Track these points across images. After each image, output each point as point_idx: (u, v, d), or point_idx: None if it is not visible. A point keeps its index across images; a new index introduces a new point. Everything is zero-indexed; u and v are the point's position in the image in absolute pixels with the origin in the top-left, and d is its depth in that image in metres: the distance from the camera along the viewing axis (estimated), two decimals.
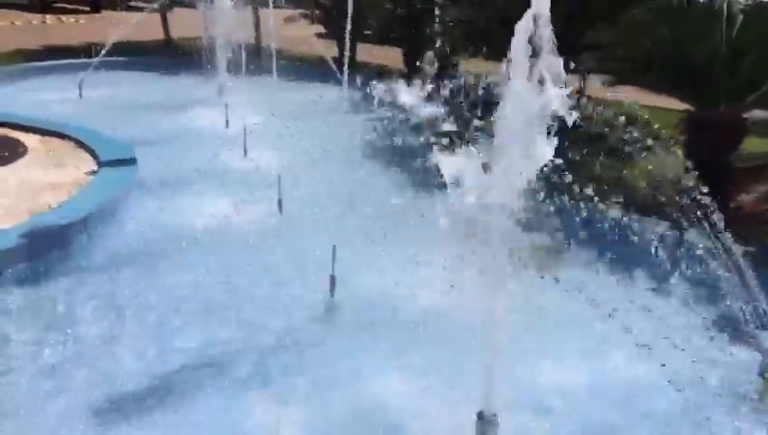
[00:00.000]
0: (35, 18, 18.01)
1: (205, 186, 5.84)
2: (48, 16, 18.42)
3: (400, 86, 4.32)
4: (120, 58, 10.48)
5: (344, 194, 4.73)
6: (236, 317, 3.92)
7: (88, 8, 20.59)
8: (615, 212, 4.44)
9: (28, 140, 6.70)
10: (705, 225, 3.70)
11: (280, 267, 4.49)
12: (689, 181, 3.83)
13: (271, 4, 9.68)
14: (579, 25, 6.39)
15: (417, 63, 9.41)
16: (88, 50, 10.25)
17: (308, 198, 5.21)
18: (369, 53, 12.27)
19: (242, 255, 4.65)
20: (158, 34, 13.16)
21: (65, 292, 4.10)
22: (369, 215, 4.59)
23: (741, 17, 5.40)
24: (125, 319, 3.88)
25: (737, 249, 3.53)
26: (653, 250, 4.12)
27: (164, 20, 13.14)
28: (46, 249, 4.44)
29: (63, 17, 18.60)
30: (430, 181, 4.89)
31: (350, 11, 7.46)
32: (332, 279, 4.02)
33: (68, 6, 20.30)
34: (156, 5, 12.49)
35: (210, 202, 5.44)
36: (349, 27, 8.72)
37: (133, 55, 11.24)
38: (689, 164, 4.41)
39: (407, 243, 4.30)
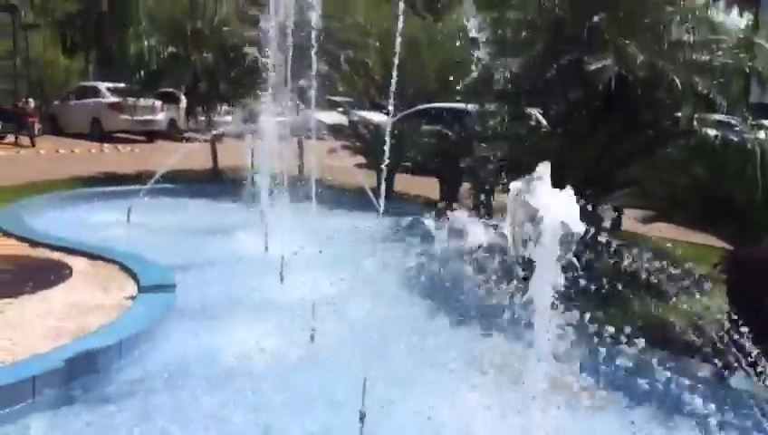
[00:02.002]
0: (94, 147, 19.18)
1: (240, 312, 5.90)
2: (106, 145, 19.62)
3: (440, 218, 4.42)
4: (169, 185, 10.99)
5: (379, 326, 4.71)
6: None
7: (143, 138, 21.89)
8: (651, 352, 4.31)
9: (75, 262, 6.95)
10: (750, 370, 3.56)
11: (309, 398, 4.42)
12: (731, 323, 3.74)
13: (311, 135, 10.19)
14: (612, 163, 6.53)
15: (455, 195, 9.65)
16: (139, 177, 10.81)
17: (342, 329, 5.20)
18: (408, 183, 12.64)
19: (272, 383, 4.60)
20: (207, 163, 13.84)
21: (99, 416, 4.08)
22: (401, 348, 4.54)
23: None
24: None
25: None
26: (691, 395, 3.94)
27: (213, 149, 13.86)
28: (82, 373, 4.48)
29: (120, 146, 19.78)
30: (470, 317, 4.88)
31: (387, 143, 7.80)
32: (362, 415, 3.92)
33: (125, 136, 21.62)
34: (208, 136, 13.24)
35: (244, 329, 5.47)
36: (387, 159, 9.07)
37: (182, 183, 11.79)
38: (731, 303, 4.33)
39: (440, 384, 4.21)
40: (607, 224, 7.15)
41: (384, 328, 4.72)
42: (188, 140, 15.65)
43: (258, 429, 4.09)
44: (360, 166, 13.13)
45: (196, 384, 4.52)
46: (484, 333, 4.84)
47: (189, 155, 12.10)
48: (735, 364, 3.65)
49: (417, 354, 4.55)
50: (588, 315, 4.38)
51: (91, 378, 4.50)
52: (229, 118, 15.18)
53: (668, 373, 4.10)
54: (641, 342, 4.43)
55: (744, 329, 3.64)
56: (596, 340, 4.14)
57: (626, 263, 4.35)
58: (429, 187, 12.06)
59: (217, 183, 12.80)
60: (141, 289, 6.08)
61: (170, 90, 16.55)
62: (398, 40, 5.18)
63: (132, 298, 5.90)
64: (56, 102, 23.54)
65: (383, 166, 9.86)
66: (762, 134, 6.26)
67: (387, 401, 4.02)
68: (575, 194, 3.07)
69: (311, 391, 4.56)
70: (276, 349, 5.17)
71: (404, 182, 12.67)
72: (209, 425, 4.09)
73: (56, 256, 7.22)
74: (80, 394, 4.33)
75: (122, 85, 17.41)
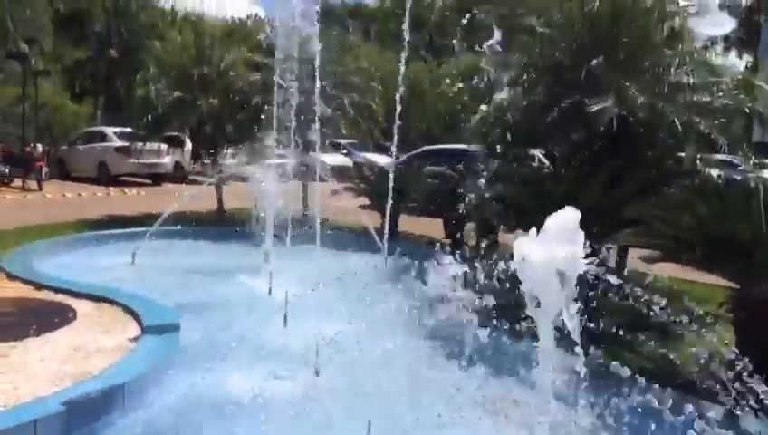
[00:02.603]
0: (100, 190, 19.32)
1: (243, 355, 5.85)
2: (112, 189, 19.77)
3: (443, 260, 4.42)
4: (174, 227, 11.04)
5: (383, 368, 4.68)
6: None
7: (149, 181, 22.07)
8: (659, 393, 4.25)
9: (79, 305, 6.94)
10: (760, 412, 3.51)
11: None
12: (740, 363, 3.70)
13: (315, 177, 10.28)
14: (616, 202, 6.55)
15: (458, 236, 9.67)
16: (145, 220, 10.87)
17: (346, 371, 5.16)
18: (413, 223, 12.67)
19: (276, 425, 4.55)
20: (212, 205, 13.91)
21: None
22: (405, 389, 4.50)
23: None
24: None
25: None
26: None
27: (218, 191, 13.96)
28: (84, 417, 4.43)
29: (126, 189, 19.94)
30: (471, 358, 4.84)
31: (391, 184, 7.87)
32: None
33: (131, 180, 21.81)
34: (213, 179, 13.36)
35: (248, 372, 5.44)
36: (391, 200, 9.13)
37: (187, 225, 11.83)
38: (738, 344, 4.29)
39: (445, 417, 4.16)
40: (611, 264, 7.15)
41: (388, 370, 4.69)
42: (194, 182, 15.79)
43: None
44: (364, 207, 13.20)
45: (202, 425, 4.46)
46: (487, 374, 4.80)
47: (195, 197, 12.20)
48: (745, 404, 3.60)
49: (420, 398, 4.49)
50: (594, 356, 4.37)
51: (92, 422, 4.44)
52: (234, 160, 15.32)
53: (677, 414, 4.04)
54: (649, 383, 4.40)
55: (753, 368, 3.60)
56: (603, 381, 4.11)
57: (631, 302, 4.34)
58: (433, 227, 12.08)
59: (222, 225, 12.85)
60: (145, 330, 6.05)
61: (175, 133, 16.75)
62: (401, 84, 5.26)
63: (136, 340, 5.87)
64: (64, 147, 23.81)
65: (387, 206, 9.93)
66: (765, 173, 6.29)
67: None
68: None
69: (314, 430, 4.52)
70: (281, 390, 5.12)
71: (409, 223, 12.70)
72: None
73: (60, 298, 7.21)
74: None
75: (129, 130, 17.67)
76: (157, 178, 21.90)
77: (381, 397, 4.27)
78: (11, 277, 8.03)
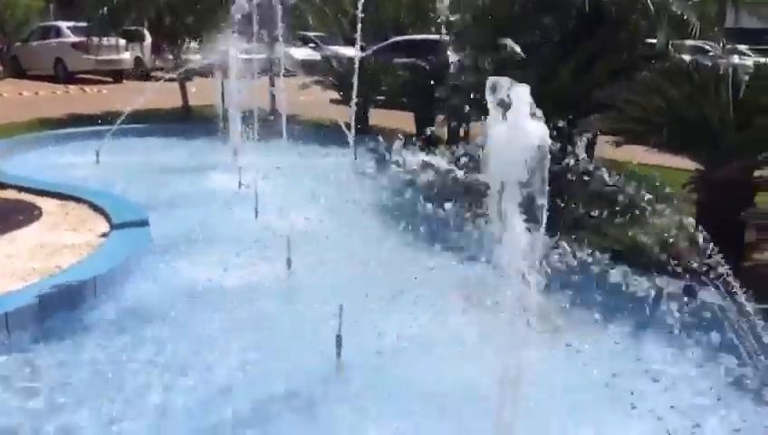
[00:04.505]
0: (59, 89, 18.62)
1: (216, 247, 5.86)
2: (71, 87, 19.06)
3: (412, 150, 4.39)
4: (139, 125, 10.76)
5: (353, 254, 4.72)
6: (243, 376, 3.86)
7: (110, 79, 21.28)
8: (623, 272, 4.39)
9: (44, 203, 6.81)
10: (719, 285, 3.63)
11: (287, 324, 4.46)
12: (701, 241, 3.79)
13: (282, 72, 9.98)
14: (588, 84, 6.49)
15: (429, 128, 9.57)
16: (108, 118, 10.55)
17: (317, 258, 5.21)
18: (383, 117, 12.51)
19: (250, 312, 4.62)
20: (177, 102, 13.53)
21: (71, 351, 4.07)
22: (375, 273, 4.57)
23: (746, 78, 5.43)
24: (133, 374, 3.85)
25: (751, 309, 3.45)
26: (662, 312, 4.03)
27: (182, 88, 13.53)
28: (55, 310, 4.44)
29: (86, 87, 19.23)
30: (437, 241, 4.91)
31: (355, 78, 7.67)
32: (338, 339, 3.96)
33: (91, 77, 21.01)
34: (175, 75, 12.92)
35: (221, 263, 5.45)
36: (356, 92, 8.93)
37: (151, 122, 11.54)
38: (701, 223, 4.39)
39: (414, 303, 4.26)
40: (581, 148, 7.16)
41: (359, 258, 4.73)
42: (156, 79, 15.27)
43: (241, 355, 4.11)
44: (334, 101, 12.95)
45: (173, 317, 4.50)
46: (456, 259, 4.89)
47: (158, 94, 11.84)
48: (704, 279, 3.73)
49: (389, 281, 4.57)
50: (559, 236, 4.45)
51: (64, 315, 4.45)
52: (197, 56, 14.78)
53: (639, 291, 4.19)
54: (613, 262, 4.52)
55: (713, 245, 3.70)
56: (568, 260, 4.20)
57: (599, 185, 4.38)
58: (405, 120, 11.94)
59: (188, 122, 12.55)
60: (114, 227, 5.99)
61: (134, 27, 15.98)
62: None
63: (105, 236, 5.82)
64: (18, 44, 22.73)
65: (356, 100, 9.75)
66: (735, 58, 6.25)
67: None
68: (552, 118, 3.04)
69: (289, 317, 4.60)
70: (254, 279, 5.17)
71: (380, 116, 12.54)
72: (189, 355, 4.10)
73: (24, 197, 7.07)
74: (53, 332, 4.28)
75: (84, 24, 16.79)
76: (117, 74, 21.13)
77: (352, 283, 4.32)
78: None
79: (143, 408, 3.54)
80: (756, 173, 5.87)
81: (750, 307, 3.47)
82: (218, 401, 3.64)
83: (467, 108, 8.02)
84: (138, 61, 21.26)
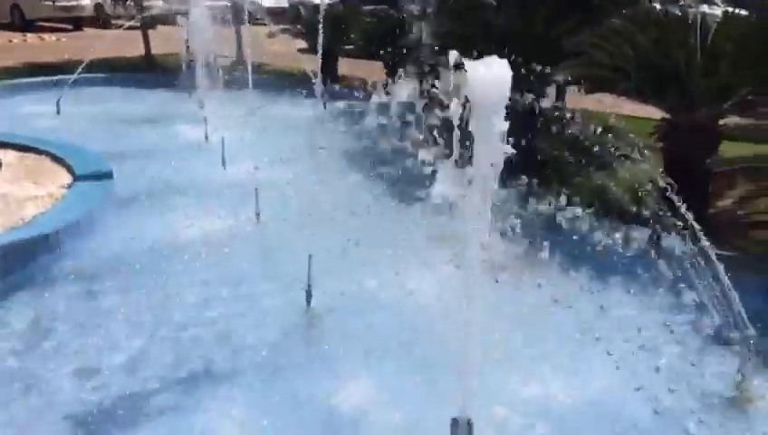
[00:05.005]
0: (15, 36, 17.93)
1: (183, 198, 5.79)
2: (29, 35, 18.36)
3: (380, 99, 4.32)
4: (100, 74, 10.46)
5: (322, 203, 4.70)
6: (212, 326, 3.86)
7: (70, 26, 20.55)
8: (590, 219, 4.43)
9: (3, 155, 6.60)
10: (683, 231, 3.68)
11: (257, 274, 4.44)
12: (666, 188, 3.83)
13: (247, 20, 9.72)
14: (558, 34, 6.43)
15: (398, 76, 9.45)
16: (68, 67, 10.21)
17: (286, 208, 5.17)
18: (354, 66, 12.32)
19: (218, 263, 4.58)
20: (139, 50, 13.13)
21: (34, 306, 4.01)
22: (343, 221, 4.56)
23: (715, 26, 5.43)
24: (99, 326, 3.82)
25: (714, 254, 3.51)
26: (628, 257, 4.10)
27: (145, 37, 13.12)
28: (17, 264, 4.35)
29: (45, 36, 18.54)
30: (408, 189, 4.89)
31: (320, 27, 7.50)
32: (308, 288, 3.97)
33: (50, 25, 20.26)
34: (136, 23, 12.50)
35: (188, 214, 5.39)
36: (323, 40, 8.75)
37: (113, 72, 11.21)
38: (666, 170, 4.43)
39: (384, 249, 4.26)
40: (550, 95, 7.17)
41: (328, 207, 4.71)
42: (117, 26, 14.78)
43: (207, 304, 4.09)
44: (302, 50, 12.70)
45: (141, 267, 4.45)
46: (426, 208, 4.88)
47: (120, 43, 11.48)
48: (669, 225, 3.77)
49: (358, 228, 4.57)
50: (527, 183, 4.47)
51: (27, 269, 4.37)
52: (159, 2, 14.30)
53: (603, 238, 4.24)
54: (578, 209, 4.56)
55: (677, 192, 3.74)
56: (533, 207, 4.24)
57: (567, 133, 4.38)
58: (376, 70, 11.78)
59: (151, 71, 12.21)
60: (77, 178, 5.85)
61: None
62: None
63: (67, 188, 5.68)
64: None
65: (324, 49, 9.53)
66: (704, 7, 6.23)
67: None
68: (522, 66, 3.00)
69: (258, 267, 4.57)
70: (222, 229, 5.13)
71: (350, 66, 12.35)
72: (156, 305, 4.07)
73: None
74: (17, 286, 4.21)
75: None
76: (77, 22, 20.39)
77: (320, 232, 4.31)
78: None
79: (111, 362, 3.53)
80: (721, 121, 5.92)
81: (713, 254, 3.53)
82: (189, 351, 3.63)
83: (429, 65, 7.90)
84: (98, 7, 20.51)
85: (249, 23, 10.35)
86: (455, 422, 2.55)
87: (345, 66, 12.37)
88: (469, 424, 2.58)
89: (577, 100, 6.82)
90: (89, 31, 19.39)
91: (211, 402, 3.23)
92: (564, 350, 3.60)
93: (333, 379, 3.37)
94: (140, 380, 3.41)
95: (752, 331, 3.32)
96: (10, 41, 17.20)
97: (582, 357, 3.56)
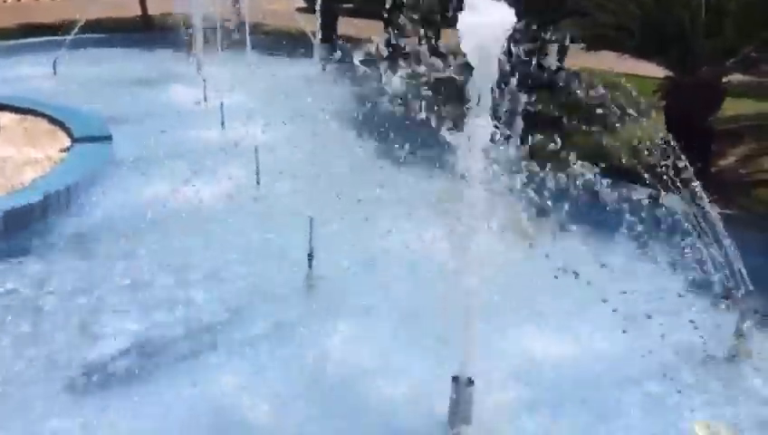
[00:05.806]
0: None
1: (182, 159, 5.74)
2: None
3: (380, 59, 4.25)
4: (97, 35, 10.31)
5: (321, 164, 4.67)
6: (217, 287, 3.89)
7: None
8: (592, 178, 4.40)
9: (0, 118, 6.57)
10: (685, 190, 3.68)
11: (258, 236, 4.47)
12: (668, 147, 3.80)
13: None
14: None
15: (397, 35, 9.33)
16: (64, 27, 10.05)
17: (285, 168, 5.15)
18: (354, 26, 12.14)
19: (219, 224, 4.61)
20: (136, 10, 12.92)
21: (38, 268, 4.04)
22: (344, 181, 4.55)
23: None
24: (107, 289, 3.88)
25: (716, 213, 3.52)
26: (630, 216, 4.09)
27: None
28: (18, 226, 4.36)
29: None
30: (404, 149, 4.85)
31: None
32: (310, 250, 3.98)
33: None
34: None
35: (188, 174, 5.33)
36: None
37: (110, 32, 11.05)
38: (669, 129, 4.40)
39: (384, 210, 4.26)
40: (552, 54, 7.09)
41: (324, 168, 4.68)
42: None
43: (205, 266, 4.12)
44: (300, 9, 12.51)
45: (140, 231, 4.45)
46: (424, 166, 4.86)
47: (117, 3, 11.28)
48: (670, 185, 3.76)
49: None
50: (528, 142, 4.42)
51: (28, 230, 4.38)
52: None
53: (605, 197, 4.22)
54: (581, 169, 4.53)
55: (679, 151, 3.72)
56: (535, 167, 4.20)
57: (569, 91, 4.33)
58: (376, 29, 11.62)
59: (149, 32, 12.04)
60: (75, 141, 5.82)
61: None
62: None
63: (66, 151, 5.66)
64: None
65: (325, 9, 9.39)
66: None
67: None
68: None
69: (259, 230, 4.58)
70: (222, 192, 5.12)
71: (350, 25, 12.16)
72: (157, 268, 4.09)
73: None
74: (19, 247, 4.23)
75: None
76: None
77: (319, 193, 4.30)
78: None
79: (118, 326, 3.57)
80: (724, 79, 5.86)
81: (714, 213, 3.53)
82: (189, 312, 3.67)
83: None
84: None
85: None
86: (455, 380, 2.59)
87: (345, 25, 12.19)
88: (470, 381, 2.62)
89: (576, 58, 6.74)
90: None
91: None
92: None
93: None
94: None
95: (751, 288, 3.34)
96: (4, 1, 16.94)
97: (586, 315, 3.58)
